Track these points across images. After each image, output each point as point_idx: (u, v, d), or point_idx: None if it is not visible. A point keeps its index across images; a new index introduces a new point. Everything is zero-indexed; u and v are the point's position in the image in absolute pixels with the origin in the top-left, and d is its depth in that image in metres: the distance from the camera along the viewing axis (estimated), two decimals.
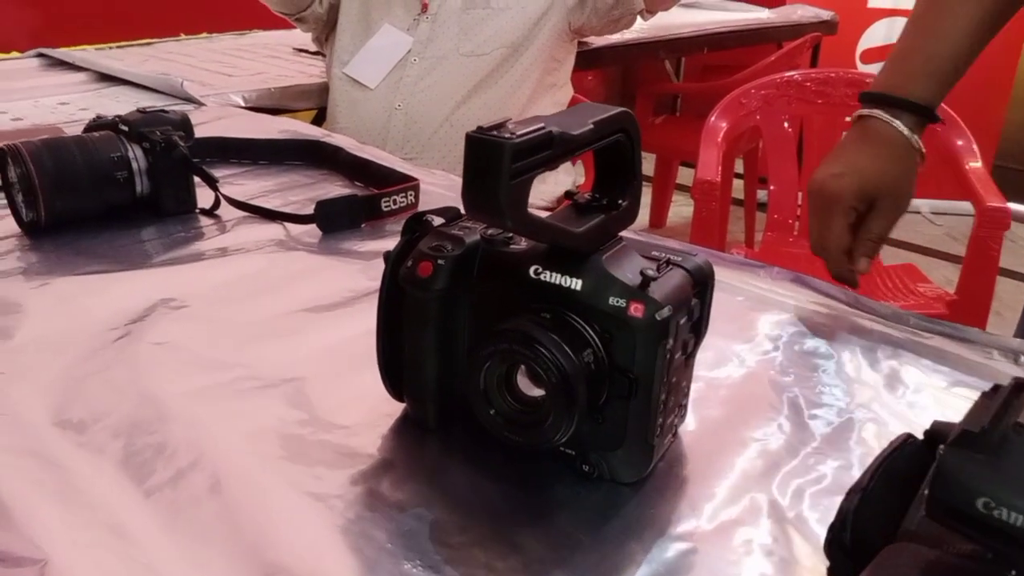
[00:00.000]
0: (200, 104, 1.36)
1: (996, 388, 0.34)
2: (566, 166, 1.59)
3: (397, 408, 0.55)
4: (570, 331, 0.45)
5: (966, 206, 1.60)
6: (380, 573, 0.42)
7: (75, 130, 0.87)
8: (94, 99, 1.42)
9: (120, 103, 1.38)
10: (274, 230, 0.86)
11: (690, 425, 0.55)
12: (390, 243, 0.52)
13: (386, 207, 0.88)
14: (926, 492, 0.32)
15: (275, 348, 0.63)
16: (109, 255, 0.79)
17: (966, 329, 0.69)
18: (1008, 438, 0.30)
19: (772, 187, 1.81)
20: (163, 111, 0.88)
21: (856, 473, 0.47)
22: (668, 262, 0.48)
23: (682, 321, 0.47)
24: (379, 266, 0.52)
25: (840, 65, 2.39)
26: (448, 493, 0.48)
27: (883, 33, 3.20)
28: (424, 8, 1.50)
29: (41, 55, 1.72)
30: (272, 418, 0.55)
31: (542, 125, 0.42)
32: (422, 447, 0.53)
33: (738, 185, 2.48)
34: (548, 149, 0.42)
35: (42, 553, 0.42)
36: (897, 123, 0.79)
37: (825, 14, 2.68)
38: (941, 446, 0.31)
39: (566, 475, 0.49)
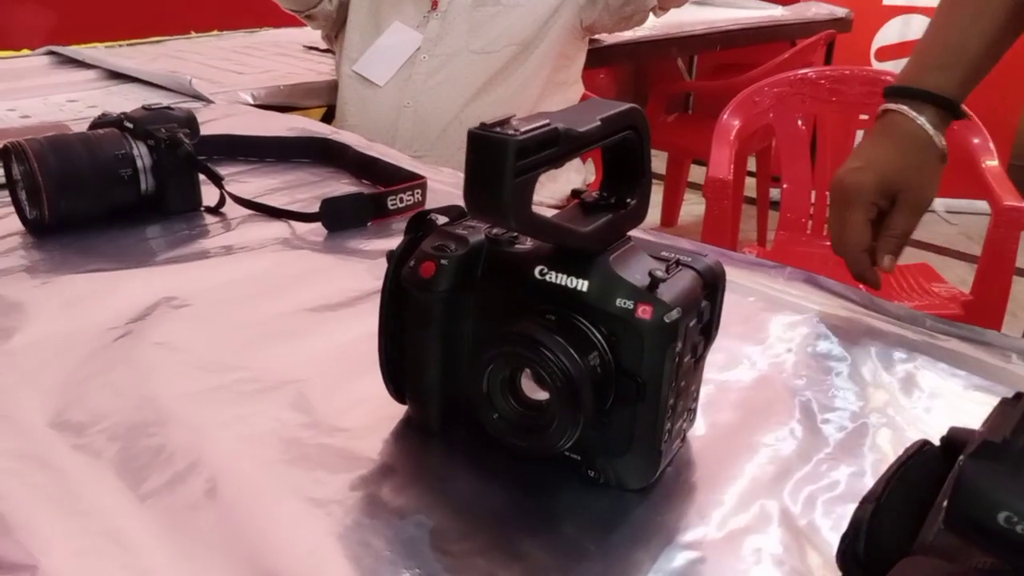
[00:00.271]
0: (209, 102, 1.36)
1: (1019, 396, 0.33)
2: (576, 164, 1.57)
3: (400, 412, 0.54)
4: (576, 333, 0.44)
5: (982, 205, 1.58)
6: None
7: (82, 128, 0.86)
8: (103, 97, 1.42)
9: (129, 101, 1.38)
10: (279, 228, 0.85)
11: (699, 429, 0.54)
12: (396, 242, 0.51)
13: (393, 205, 0.87)
14: (944, 503, 0.31)
15: (277, 349, 0.62)
16: (113, 253, 0.78)
17: (984, 332, 0.67)
18: None
19: (785, 186, 1.80)
20: (168, 108, 0.88)
21: (870, 480, 0.46)
22: (678, 263, 0.47)
23: (691, 323, 0.46)
24: (384, 265, 0.51)
25: (855, 63, 2.37)
26: (450, 499, 0.47)
27: (898, 30, 3.17)
28: (434, 5, 1.49)
29: (51, 52, 1.72)
30: (273, 421, 0.54)
31: (547, 121, 0.41)
32: (424, 452, 0.52)
33: (750, 183, 2.46)
34: (553, 146, 0.41)
35: (34, 559, 0.42)
36: (921, 119, 0.76)
37: (840, 11, 2.66)
38: (961, 456, 0.30)
39: (571, 481, 0.48)
